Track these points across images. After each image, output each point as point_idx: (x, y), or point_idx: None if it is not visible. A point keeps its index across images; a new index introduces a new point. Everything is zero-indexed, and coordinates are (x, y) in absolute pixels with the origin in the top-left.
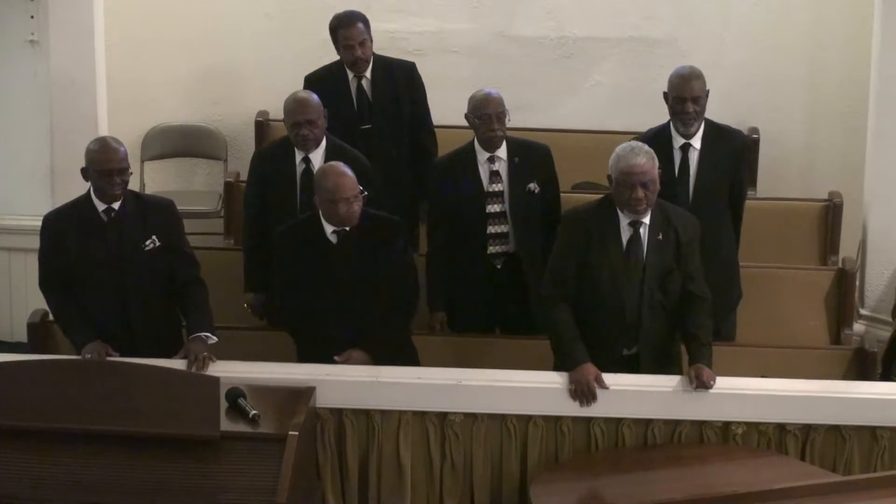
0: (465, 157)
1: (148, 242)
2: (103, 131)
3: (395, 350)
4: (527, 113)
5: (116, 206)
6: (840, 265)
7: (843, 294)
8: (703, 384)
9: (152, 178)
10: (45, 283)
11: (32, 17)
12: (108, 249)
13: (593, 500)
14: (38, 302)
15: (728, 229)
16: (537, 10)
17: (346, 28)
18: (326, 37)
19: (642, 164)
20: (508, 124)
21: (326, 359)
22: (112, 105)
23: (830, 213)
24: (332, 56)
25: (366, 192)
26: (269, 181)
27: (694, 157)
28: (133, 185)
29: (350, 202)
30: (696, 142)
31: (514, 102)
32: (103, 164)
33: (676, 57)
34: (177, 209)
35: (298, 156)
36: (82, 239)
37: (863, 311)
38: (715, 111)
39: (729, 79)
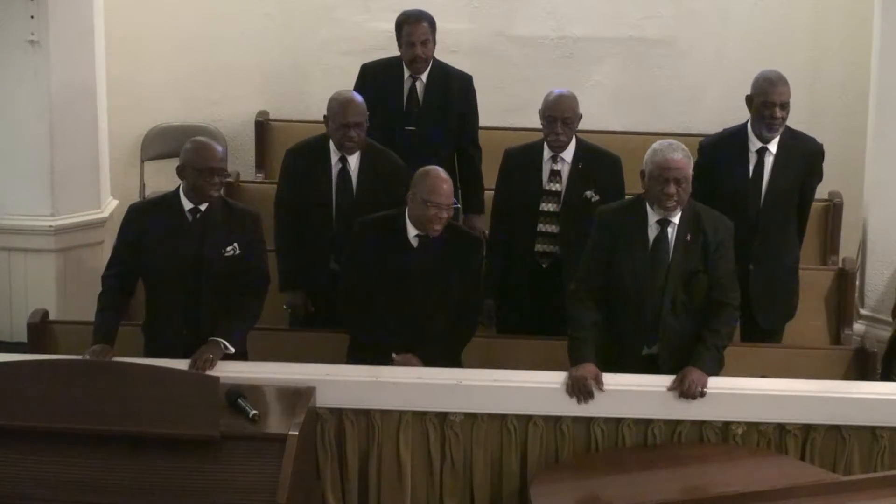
0: (534, 150)
1: (229, 248)
2: (103, 131)
3: (447, 365)
4: (527, 113)
5: (203, 207)
6: (840, 265)
7: (843, 294)
8: (684, 392)
9: (152, 178)
10: (110, 269)
11: (32, 17)
12: (188, 249)
13: (593, 500)
14: (38, 302)
15: (794, 236)
16: (537, 10)
17: (412, 24)
18: (326, 37)
19: (678, 160)
20: (518, 124)
21: (378, 357)
22: (112, 105)
23: (830, 213)
24: (331, 56)
25: (458, 205)
26: (304, 180)
27: (769, 162)
28: (133, 185)
29: (441, 209)
30: (773, 146)
31: (514, 102)
32: (203, 162)
33: (676, 57)
34: (262, 221)
35: (334, 156)
36: (164, 236)
37: (863, 311)
38: (715, 111)
39: (729, 79)
